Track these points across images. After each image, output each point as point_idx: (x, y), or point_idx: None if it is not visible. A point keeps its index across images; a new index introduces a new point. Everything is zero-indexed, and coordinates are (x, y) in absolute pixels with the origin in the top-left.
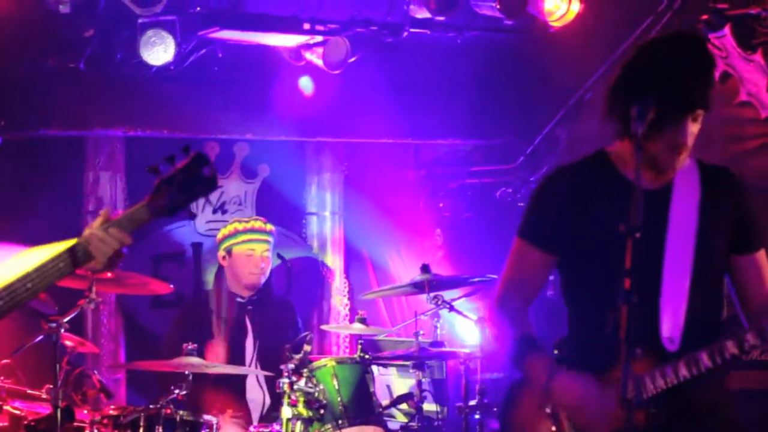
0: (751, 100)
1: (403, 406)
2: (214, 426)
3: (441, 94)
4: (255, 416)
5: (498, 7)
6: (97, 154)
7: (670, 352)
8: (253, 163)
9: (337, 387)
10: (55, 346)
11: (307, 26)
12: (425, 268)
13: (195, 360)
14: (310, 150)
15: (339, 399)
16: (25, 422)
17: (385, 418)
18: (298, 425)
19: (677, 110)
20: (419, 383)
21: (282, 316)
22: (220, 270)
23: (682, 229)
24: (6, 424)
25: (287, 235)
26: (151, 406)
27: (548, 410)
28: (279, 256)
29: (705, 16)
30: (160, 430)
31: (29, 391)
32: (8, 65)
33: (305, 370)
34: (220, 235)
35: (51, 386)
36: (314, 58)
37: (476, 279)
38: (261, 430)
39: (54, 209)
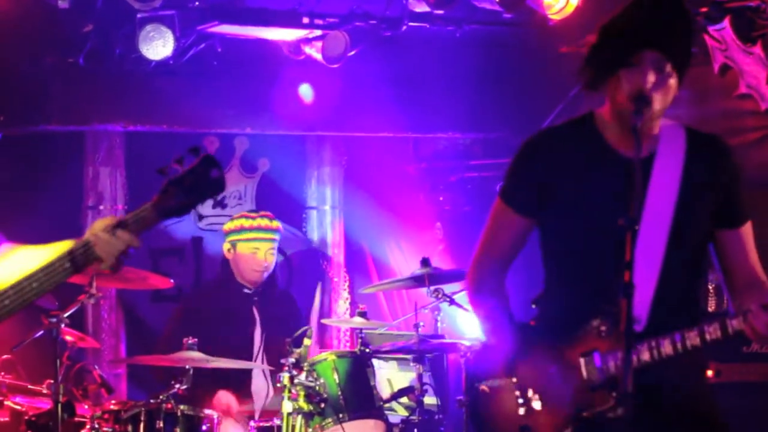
0: (751, 92)
1: (404, 399)
2: (215, 421)
3: (440, 87)
4: (258, 407)
5: (497, 0)
6: (96, 150)
7: (635, 332)
8: (252, 157)
9: (337, 381)
10: (56, 341)
11: (306, 20)
12: (425, 262)
13: (196, 354)
14: (310, 144)
15: (339, 393)
16: (26, 417)
17: (386, 412)
18: (299, 419)
19: (627, 45)
20: (420, 376)
21: (286, 308)
22: (225, 261)
23: (661, 200)
24: (7, 419)
25: (287, 229)
26: (151, 401)
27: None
28: (279, 250)
29: (704, 9)
30: (161, 424)
31: (30, 387)
32: (7, 61)
33: (306, 364)
34: (226, 227)
35: (51, 381)
36: (313, 52)
37: None
38: (261, 424)
39: (54, 205)
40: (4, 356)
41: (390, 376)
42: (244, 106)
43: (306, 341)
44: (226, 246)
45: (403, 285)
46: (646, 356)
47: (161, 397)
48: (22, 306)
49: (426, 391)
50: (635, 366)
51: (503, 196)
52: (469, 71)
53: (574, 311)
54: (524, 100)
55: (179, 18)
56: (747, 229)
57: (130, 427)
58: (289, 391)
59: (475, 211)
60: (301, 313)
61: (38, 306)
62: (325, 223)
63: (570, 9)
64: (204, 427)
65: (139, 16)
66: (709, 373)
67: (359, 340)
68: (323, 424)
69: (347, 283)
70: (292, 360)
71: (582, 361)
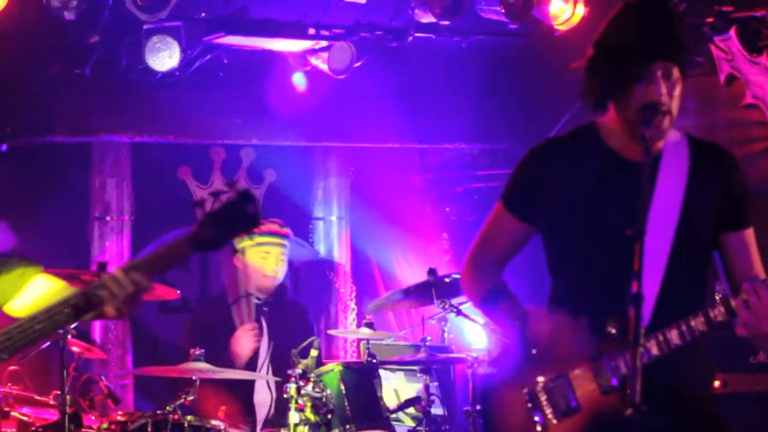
0: (757, 102)
1: (411, 410)
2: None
3: (446, 98)
4: (260, 419)
5: (503, 11)
6: (103, 160)
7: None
8: (259, 168)
9: (344, 391)
10: (63, 352)
11: (312, 31)
12: (432, 272)
13: (202, 365)
14: (317, 155)
15: (346, 403)
16: (33, 428)
17: (393, 423)
18: (306, 430)
19: (637, 60)
20: (427, 387)
21: (296, 318)
22: (235, 270)
23: (666, 203)
24: (14, 430)
25: (294, 240)
26: (158, 412)
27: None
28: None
29: (710, 19)
30: None
31: (37, 398)
32: (14, 72)
33: (312, 374)
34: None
35: (58, 392)
36: (319, 63)
37: None
38: None
39: (60, 215)
40: (11, 367)
41: (397, 387)
42: (250, 116)
43: (313, 352)
44: (237, 255)
45: (410, 304)
46: (655, 350)
47: (168, 408)
48: (27, 345)
49: (433, 401)
50: (645, 362)
51: (504, 200)
52: (475, 82)
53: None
54: (530, 110)
55: (185, 29)
56: (751, 233)
57: None
58: (296, 402)
59: (482, 221)
60: (310, 322)
61: None
62: (332, 233)
63: (576, 20)
64: None
65: (145, 27)
66: (716, 383)
67: (366, 351)
68: None
69: (354, 294)
70: (298, 371)
71: (592, 365)
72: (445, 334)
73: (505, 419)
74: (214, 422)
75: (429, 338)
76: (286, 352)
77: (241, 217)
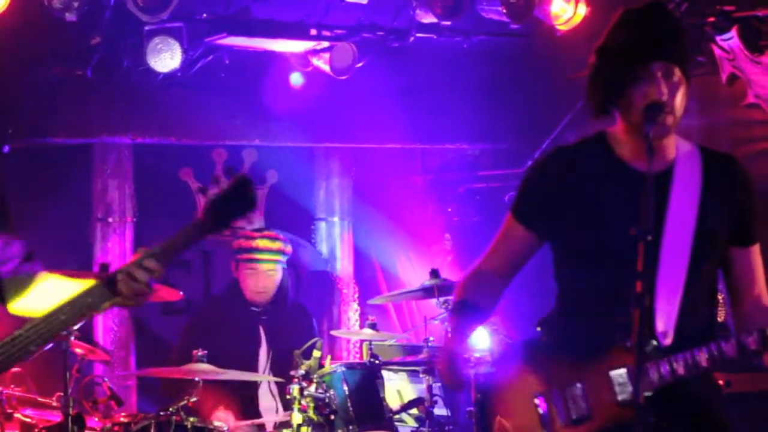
0: (759, 102)
1: (414, 410)
2: None
3: (448, 98)
4: (269, 426)
5: (504, 11)
6: (104, 162)
7: (663, 346)
8: (261, 169)
9: (347, 392)
10: (66, 353)
11: (313, 32)
12: (434, 273)
13: (205, 367)
14: (319, 155)
15: (349, 404)
16: (36, 430)
17: (396, 423)
18: (309, 431)
19: (632, 62)
20: (429, 388)
21: (297, 322)
22: (234, 277)
23: (681, 217)
24: None
25: (296, 241)
26: (161, 414)
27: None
28: (288, 262)
29: (712, 19)
30: None
31: (40, 399)
32: (15, 73)
33: (315, 375)
34: (233, 245)
35: (61, 394)
36: (321, 63)
37: None
38: None
39: (62, 217)
40: (14, 369)
41: (400, 388)
42: (252, 117)
43: (315, 353)
44: (233, 263)
45: (412, 296)
46: (681, 370)
47: (171, 409)
48: (50, 337)
49: (436, 402)
50: (669, 380)
51: (513, 209)
52: (476, 82)
53: (595, 326)
54: (532, 110)
55: (187, 30)
56: (756, 249)
57: None
58: (299, 403)
59: (484, 221)
60: (312, 325)
61: None
62: (334, 234)
63: (578, 20)
64: None
65: (146, 28)
66: (720, 383)
67: (369, 352)
68: None
69: (356, 294)
70: (301, 372)
71: (612, 375)
72: (448, 335)
73: (511, 420)
74: (217, 423)
75: (432, 338)
76: (287, 357)
77: (241, 201)
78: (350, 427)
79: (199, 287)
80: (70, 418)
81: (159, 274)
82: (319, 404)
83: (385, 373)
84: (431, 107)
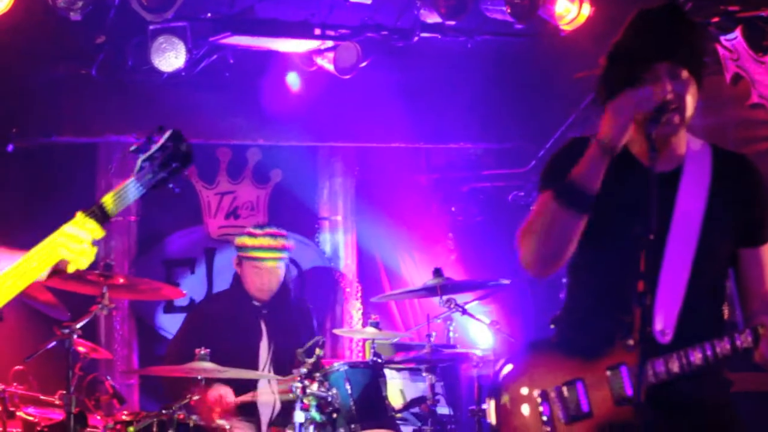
0: (763, 102)
1: (416, 409)
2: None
3: (452, 98)
4: (264, 420)
5: (508, 11)
6: (109, 161)
7: (661, 344)
8: (265, 168)
9: (349, 391)
10: (68, 352)
11: (317, 31)
12: (438, 272)
13: (207, 365)
14: (322, 155)
15: (352, 403)
16: (38, 428)
17: (398, 422)
18: (311, 430)
19: (638, 62)
20: (432, 386)
21: (298, 319)
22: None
23: (688, 215)
24: (19, 430)
25: (300, 240)
26: (164, 412)
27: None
28: (292, 260)
29: (716, 19)
30: None
31: (42, 397)
32: (20, 72)
33: (318, 374)
34: (236, 241)
35: (64, 392)
36: (325, 63)
37: (489, 282)
38: None
39: (66, 216)
40: (17, 367)
41: (402, 386)
42: (256, 117)
43: (318, 351)
44: (235, 259)
45: (415, 295)
46: (676, 369)
47: (173, 407)
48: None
49: (438, 401)
50: (664, 378)
51: (543, 188)
52: (480, 82)
53: (598, 324)
54: (536, 110)
55: (191, 29)
56: (766, 249)
57: None
58: (301, 402)
59: (487, 221)
60: (314, 323)
61: (51, 317)
62: (338, 233)
63: (581, 19)
64: None
65: (151, 27)
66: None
67: (371, 350)
68: None
69: (359, 293)
70: (304, 370)
71: (609, 374)
72: (451, 334)
73: (514, 418)
74: (219, 422)
75: (434, 334)
76: (288, 353)
77: (175, 156)
78: (352, 426)
79: (203, 285)
80: (72, 417)
81: (97, 235)
82: (322, 403)
83: (387, 371)
84: (435, 107)
